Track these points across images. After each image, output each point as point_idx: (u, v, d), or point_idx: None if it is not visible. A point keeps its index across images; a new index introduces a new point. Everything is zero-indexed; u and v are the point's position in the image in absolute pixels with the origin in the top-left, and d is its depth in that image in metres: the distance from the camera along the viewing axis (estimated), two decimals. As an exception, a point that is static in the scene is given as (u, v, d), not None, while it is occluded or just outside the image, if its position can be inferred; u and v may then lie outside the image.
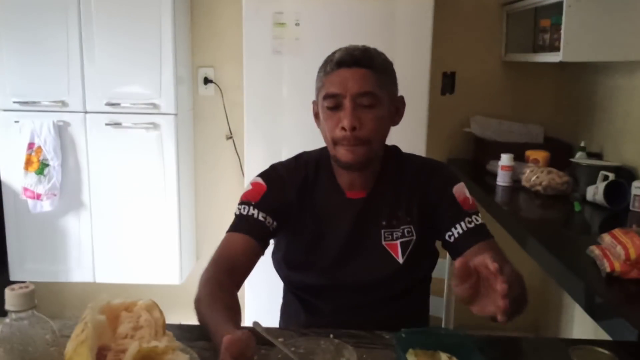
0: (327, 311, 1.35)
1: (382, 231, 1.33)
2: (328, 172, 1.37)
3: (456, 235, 1.29)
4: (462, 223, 1.29)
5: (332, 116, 1.27)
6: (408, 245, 1.32)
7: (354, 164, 1.28)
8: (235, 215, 1.33)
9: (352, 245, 1.33)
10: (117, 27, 2.64)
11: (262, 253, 1.33)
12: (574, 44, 2.10)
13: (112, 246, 2.81)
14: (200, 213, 3.09)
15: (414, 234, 1.33)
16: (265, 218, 1.31)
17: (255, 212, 1.31)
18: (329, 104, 1.27)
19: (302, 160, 1.40)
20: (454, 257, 1.31)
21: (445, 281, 1.70)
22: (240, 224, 1.31)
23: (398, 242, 1.32)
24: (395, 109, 1.34)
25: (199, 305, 1.16)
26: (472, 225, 1.29)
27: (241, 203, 1.33)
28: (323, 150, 1.39)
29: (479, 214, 1.33)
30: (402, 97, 1.36)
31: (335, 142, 1.28)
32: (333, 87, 1.26)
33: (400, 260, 1.32)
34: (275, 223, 1.32)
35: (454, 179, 1.36)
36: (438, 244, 1.41)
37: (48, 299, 3.14)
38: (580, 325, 2.34)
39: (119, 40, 2.65)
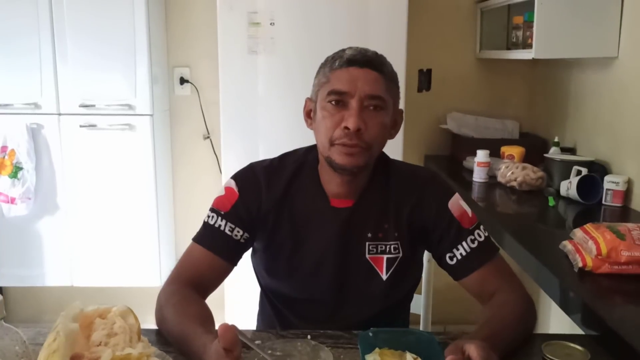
0: (302, 327, 1.26)
1: (367, 244, 1.26)
2: (313, 177, 1.28)
3: (459, 257, 1.24)
4: (464, 243, 1.23)
5: (333, 114, 1.18)
6: (393, 263, 1.26)
7: (350, 168, 1.20)
8: (204, 222, 1.28)
9: (334, 256, 1.26)
10: (90, 27, 2.61)
11: (232, 268, 1.28)
12: (545, 41, 2.12)
13: (90, 249, 2.78)
14: (179, 214, 3.07)
15: (401, 251, 1.26)
16: (233, 230, 1.25)
17: (223, 223, 1.25)
18: (334, 99, 1.18)
19: (286, 162, 1.31)
20: (455, 278, 1.26)
21: (424, 278, 1.71)
22: (207, 237, 1.26)
23: (384, 257, 1.26)
24: (394, 122, 1.26)
25: (166, 325, 1.13)
26: (475, 244, 1.23)
27: (211, 210, 1.27)
28: (309, 152, 1.32)
29: (481, 226, 1.27)
30: (401, 111, 1.29)
31: (332, 143, 1.19)
32: (341, 84, 1.18)
33: (384, 276, 1.26)
34: (246, 234, 1.26)
35: (448, 192, 1.29)
36: (424, 255, 1.39)
37: (25, 304, 3.11)
38: (557, 320, 2.37)
39: (93, 40, 2.62)
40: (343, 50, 1.23)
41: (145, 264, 2.80)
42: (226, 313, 2.59)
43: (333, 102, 1.19)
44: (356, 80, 1.17)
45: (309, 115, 1.28)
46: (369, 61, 1.19)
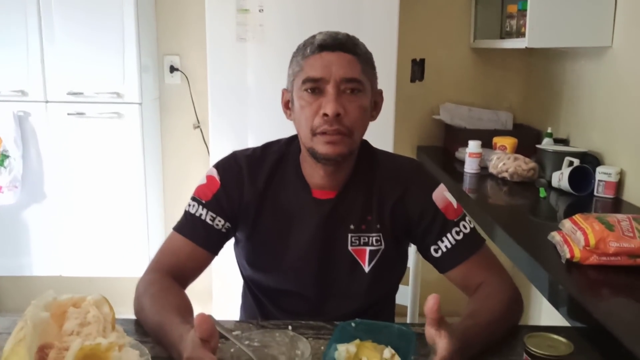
0: (284, 319, 1.24)
1: (350, 235, 1.24)
2: (295, 168, 1.26)
3: (443, 250, 1.22)
4: (449, 235, 1.21)
5: (311, 103, 1.16)
6: (375, 255, 1.24)
7: (334, 157, 1.17)
8: (185, 211, 1.26)
9: (316, 249, 1.24)
10: (79, 14, 2.57)
11: (213, 258, 1.26)
12: (539, 30, 2.09)
13: (78, 239, 2.76)
14: (168, 204, 3.04)
15: (383, 243, 1.24)
16: (214, 219, 1.23)
17: (204, 212, 1.23)
18: (309, 86, 1.16)
19: (268, 151, 1.29)
20: (440, 271, 1.25)
21: (411, 270, 1.69)
22: (187, 226, 1.24)
23: (367, 249, 1.24)
24: (374, 103, 1.24)
25: (143, 314, 1.12)
26: (460, 236, 1.21)
27: (192, 199, 1.25)
28: (290, 143, 1.30)
29: (467, 217, 1.25)
30: (381, 91, 1.26)
31: (313, 133, 1.16)
32: (315, 70, 1.15)
33: (366, 268, 1.24)
34: (227, 224, 1.25)
35: (432, 183, 1.26)
36: (410, 249, 1.36)
37: (14, 294, 3.09)
38: (549, 312, 2.36)
39: (80, 27, 2.58)
40: (314, 36, 1.19)
41: (134, 254, 2.78)
42: (213, 305, 2.58)
43: (309, 90, 1.16)
44: (330, 65, 1.15)
45: (287, 106, 1.26)
46: (341, 44, 1.16)
